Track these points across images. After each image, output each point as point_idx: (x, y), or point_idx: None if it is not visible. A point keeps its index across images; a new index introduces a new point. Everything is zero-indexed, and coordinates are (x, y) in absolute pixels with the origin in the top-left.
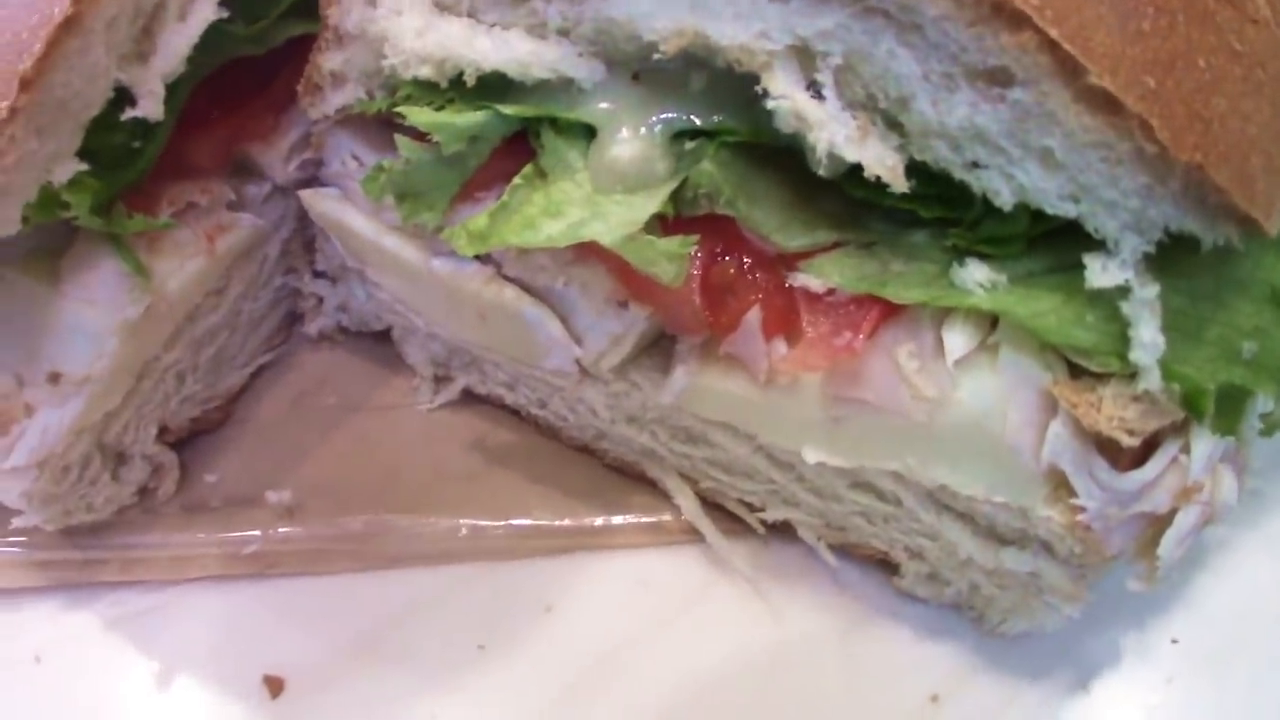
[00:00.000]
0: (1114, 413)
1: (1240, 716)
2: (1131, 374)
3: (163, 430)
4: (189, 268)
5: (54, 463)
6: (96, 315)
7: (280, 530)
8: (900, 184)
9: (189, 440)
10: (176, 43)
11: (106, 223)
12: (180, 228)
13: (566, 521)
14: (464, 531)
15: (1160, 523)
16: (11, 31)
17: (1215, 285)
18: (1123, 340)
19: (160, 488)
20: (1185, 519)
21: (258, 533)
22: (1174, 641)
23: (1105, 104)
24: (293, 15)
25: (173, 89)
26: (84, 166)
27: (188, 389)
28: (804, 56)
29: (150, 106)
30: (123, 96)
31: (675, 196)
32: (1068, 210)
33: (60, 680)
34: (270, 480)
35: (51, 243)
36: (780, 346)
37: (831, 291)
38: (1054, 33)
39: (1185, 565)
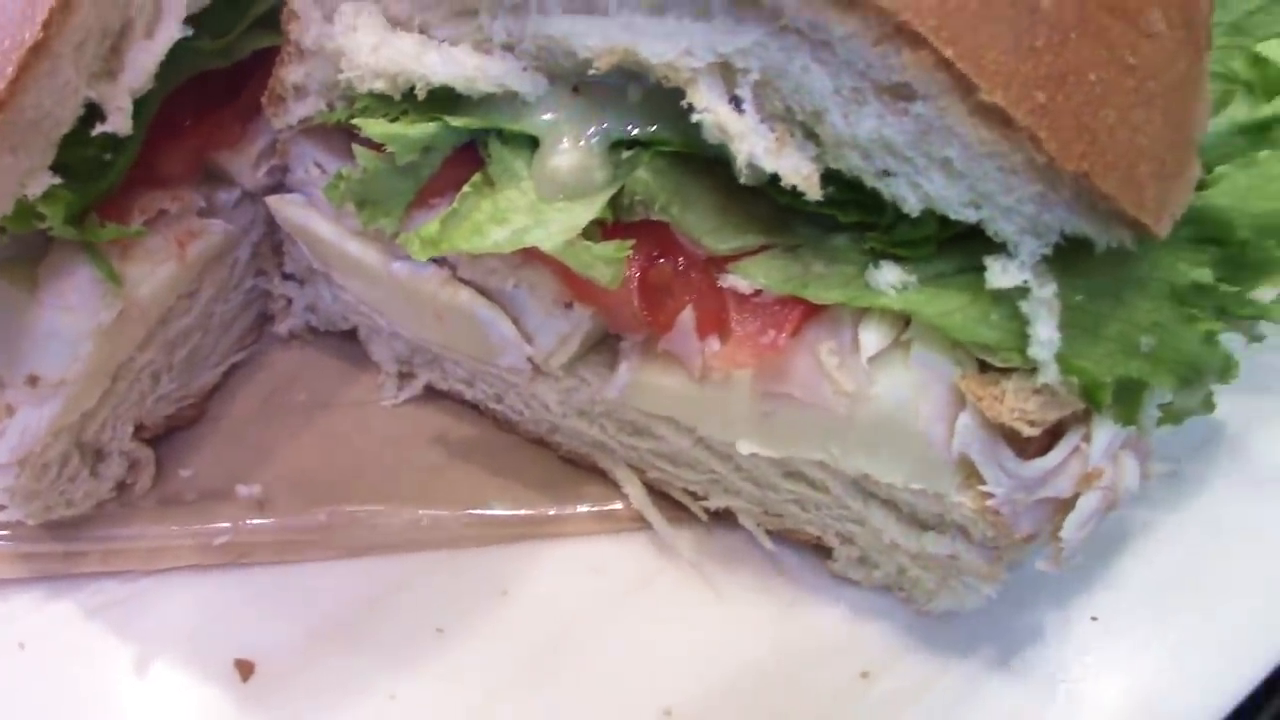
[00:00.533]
0: (1016, 405)
1: (1156, 691)
2: (1033, 368)
3: (139, 427)
4: (161, 273)
5: (34, 460)
6: (72, 321)
7: (251, 522)
8: (814, 192)
9: (164, 436)
10: (144, 60)
11: (80, 232)
12: (152, 235)
13: (523, 511)
14: (425, 521)
15: (1066, 507)
16: None
17: (1115, 284)
18: (1023, 337)
19: (137, 483)
20: (1087, 503)
21: (229, 525)
22: (1094, 619)
23: (998, 118)
24: (257, 28)
25: (141, 103)
26: (57, 180)
27: (162, 388)
28: (726, 72)
29: (119, 122)
30: (93, 112)
31: (613, 203)
32: (969, 215)
33: (44, 666)
34: (242, 474)
35: (28, 251)
36: (713, 344)
37: (758, 292)
38: (948, 52)
39: (1106, 546)
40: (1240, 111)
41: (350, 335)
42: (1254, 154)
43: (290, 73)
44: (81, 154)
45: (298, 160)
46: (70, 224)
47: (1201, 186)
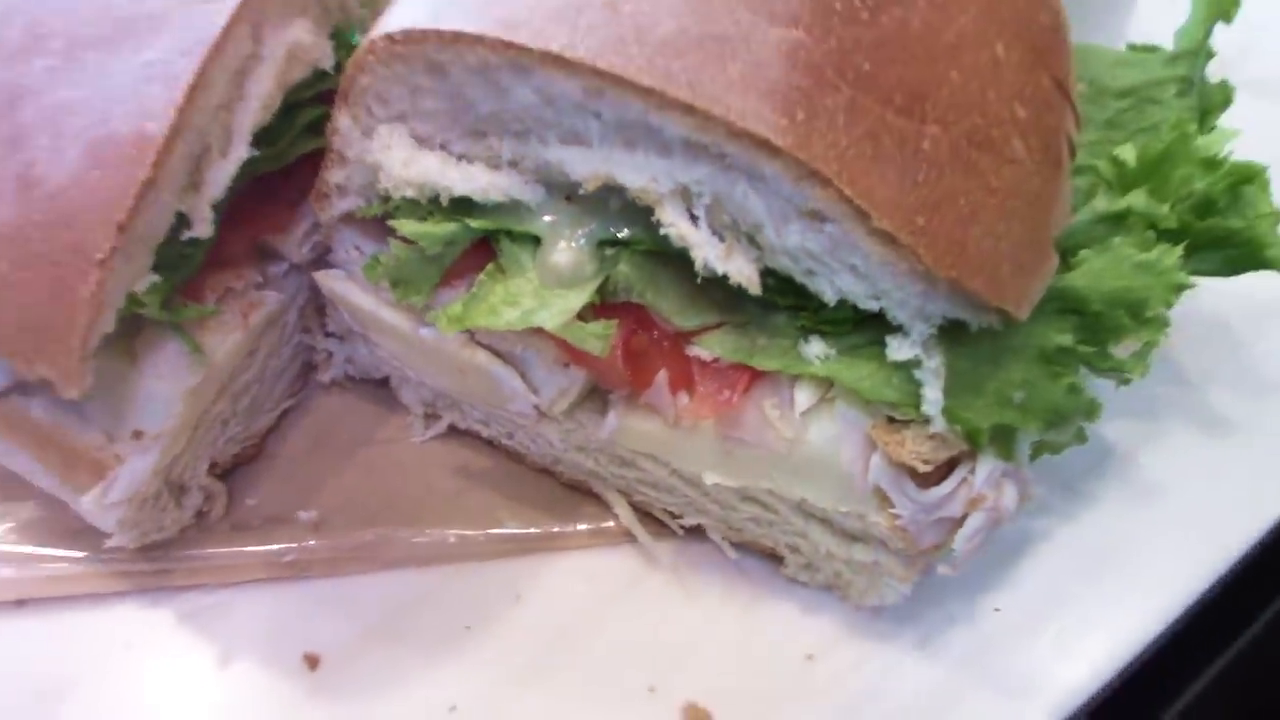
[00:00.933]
0: (914, 448)
1: (1047, 664)
2: (926, 420)
3: (212, 465)
4: (230, 340)
5: (136, 498)
6: (166, 386)
7: (309, 542)
8: (755, 289)
9: (231, 471)
10: (220, 176)
11: (170, 314)
12: (223, 310)
13: (531, 529)
14: (452, 539)
15: (958, 524)
16: (107, 188)
17: (994, 351)
18: (918, 397)
19: (212, 510)
20: (974, 521)
21: (293, 545)
22: (996, 610)
23: (887, 238)
24: (303, 135)
25: (215, 207)
26: (156, 277)
27: (230, 431)
28: (685, 195)
29: (203, 228)
30: (180, 218)
31: (601, 289)
32: (873, 305)
33: (146, 661)
34: (299, 502)
35: (126, 329)
36: (683, 399)
37: (716, 360)
38: (848, 190)
39: (1009, 551)
40: (1102, 204)
41: (383, 383)
42: (1110, 240)
43: (334, 175)
44: (171, 251)
45: (339, 243)
46: (163, 308)
47: (1069, 268)
